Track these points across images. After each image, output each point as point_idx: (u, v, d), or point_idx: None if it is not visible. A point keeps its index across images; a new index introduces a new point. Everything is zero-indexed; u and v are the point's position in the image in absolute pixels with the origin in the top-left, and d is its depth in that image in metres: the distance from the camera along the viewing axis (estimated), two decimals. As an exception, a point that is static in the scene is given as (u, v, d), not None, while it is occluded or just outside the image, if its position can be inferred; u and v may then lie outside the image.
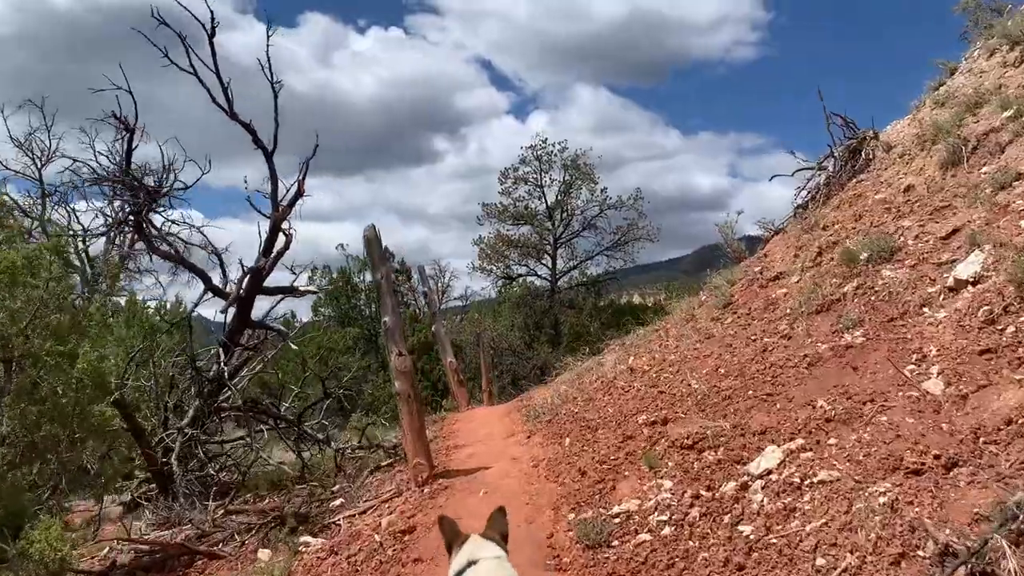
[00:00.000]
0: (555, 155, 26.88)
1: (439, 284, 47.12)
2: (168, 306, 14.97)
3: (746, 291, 8.92)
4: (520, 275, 28.31)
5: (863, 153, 11.01)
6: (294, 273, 9.63)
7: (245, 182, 9.12)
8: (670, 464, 5.31)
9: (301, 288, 8.95)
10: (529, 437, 7.97)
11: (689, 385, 6.66)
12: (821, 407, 5.05)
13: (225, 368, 8.81)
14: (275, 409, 9.69)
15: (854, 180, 10.47)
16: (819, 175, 11.85)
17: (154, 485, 8.64)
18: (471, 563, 2.72)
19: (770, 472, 4.61)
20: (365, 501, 6.68)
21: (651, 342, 9.69)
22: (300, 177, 8.32)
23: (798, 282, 7.91)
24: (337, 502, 7.01)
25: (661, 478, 5.19)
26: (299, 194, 8.30)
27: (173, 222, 9.86)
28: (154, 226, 9.16)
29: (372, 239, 7.10)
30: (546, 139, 26.83)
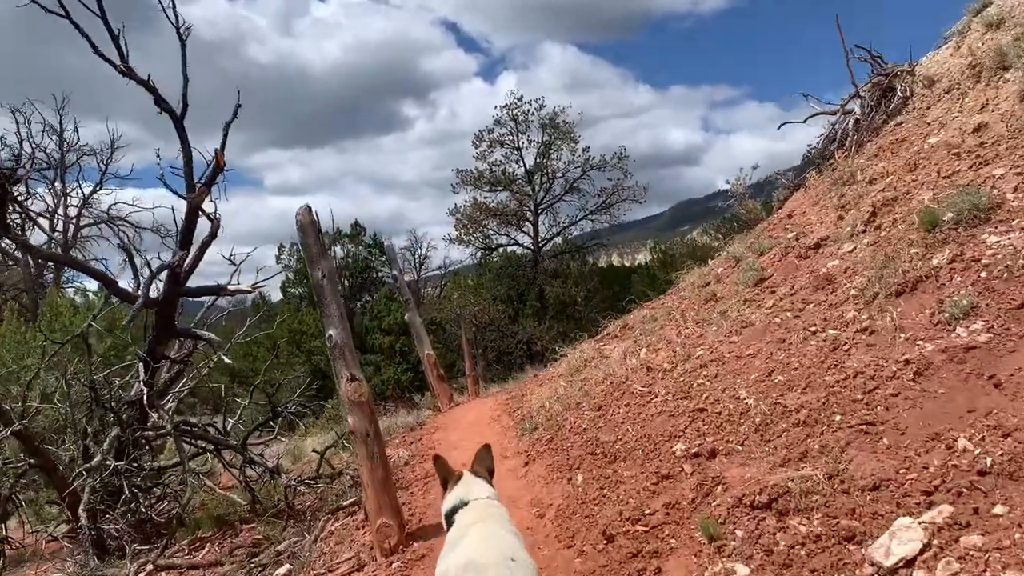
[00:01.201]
0: (532, 114, 25.00)
1: (416, 255, 45.32)
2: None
3: (781, 263, 7.32)
4: (500, 245, 26.57)
5: (897, 91, 9.41)
6: (233, 264, 7.91)
7: (158, 156, 7.31)
8: (739, 535, 3.70)
9: (231, 288, 7.17)
10: (527, 464, 6.35)
11: (738, 399, 5.04)
12: (963, 448, 3.44)
13: (144, 389, 7.12)
14: (214, 430, 8.00)
15: (891, 123, 8.90)
16: (842, 120, 10.26)
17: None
18: (464, 503, 2.98)
19: (911, 564, 3.01)
20: (316, 573, 5.04)
21: (664, 327, 8.05)
22: (218, 147, 6.50)
23: (854, 251, 6.29)
24: (282, 571, 5.37)
25: (729, 558, 3.59)
26: (218, 168, 6.49)
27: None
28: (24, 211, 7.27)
29: (307, 225, 5.36)
30: (521, 97, 24.88)
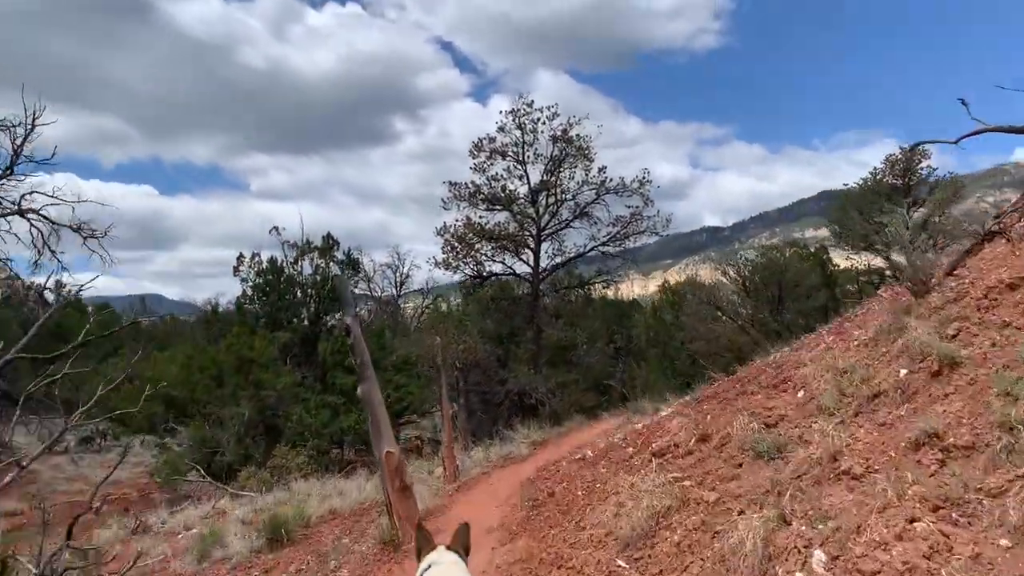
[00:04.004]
0: (542, 124, 21.17)
1: (398, 273, 41.23)
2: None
3: None
4: (494, 274, 22.58)
5: None
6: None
7: None
8: None
9: None
10: None
11: None
12: None
13: None
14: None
15: None
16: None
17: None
18: (430, 565, 3.14)
19: None
20: None
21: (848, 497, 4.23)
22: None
23: None
24: None
25: None
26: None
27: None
28: None
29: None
30: (531, 103, 21.03)
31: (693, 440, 6.20)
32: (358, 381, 7.02)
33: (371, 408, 6.85)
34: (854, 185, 28.06)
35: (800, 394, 5.97)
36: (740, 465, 5.22)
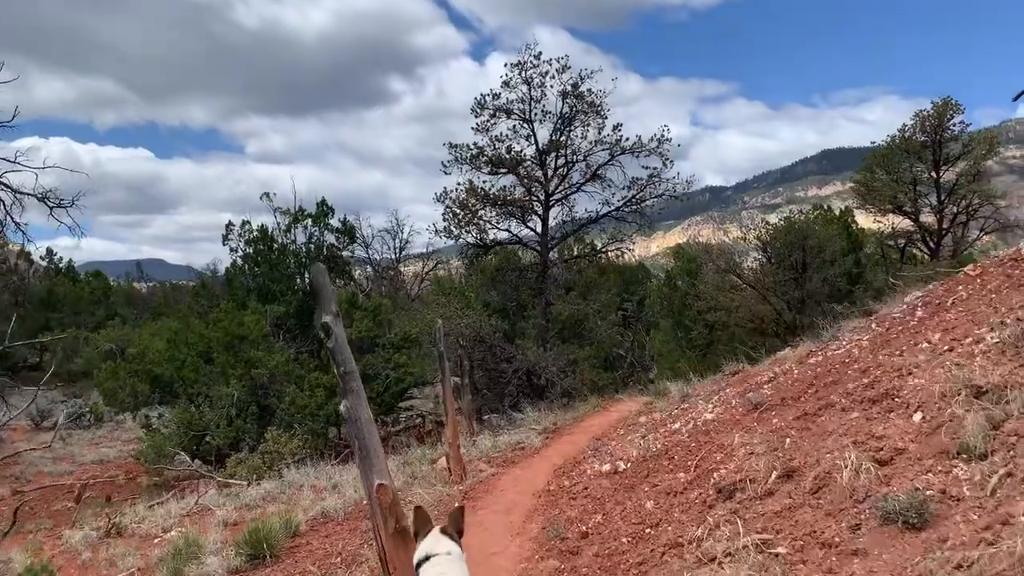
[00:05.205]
0: (551, 78, 19.38)
1: (397, 239, 39.64)
2: None
3: None
4: (499, 242, 20.97)
5: None
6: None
7: None
8: None
9: None
10: None
11: None
12: None
13: None
14: None
15: None
16: None
17: None
18: (427, 557, 3.21)
19: None
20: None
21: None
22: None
23: None
24: None
25: None
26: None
27: None
28: None
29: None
30: (539, 54, 19.21)
31: (774, 475, 4.76)
32: (341, 395, 5.56)
33: (357, 429, 5.41)
34: (881, 143, 26.44)
35: (917, 418, 4.52)
36: (858, 528, 3.79)
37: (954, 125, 24.93)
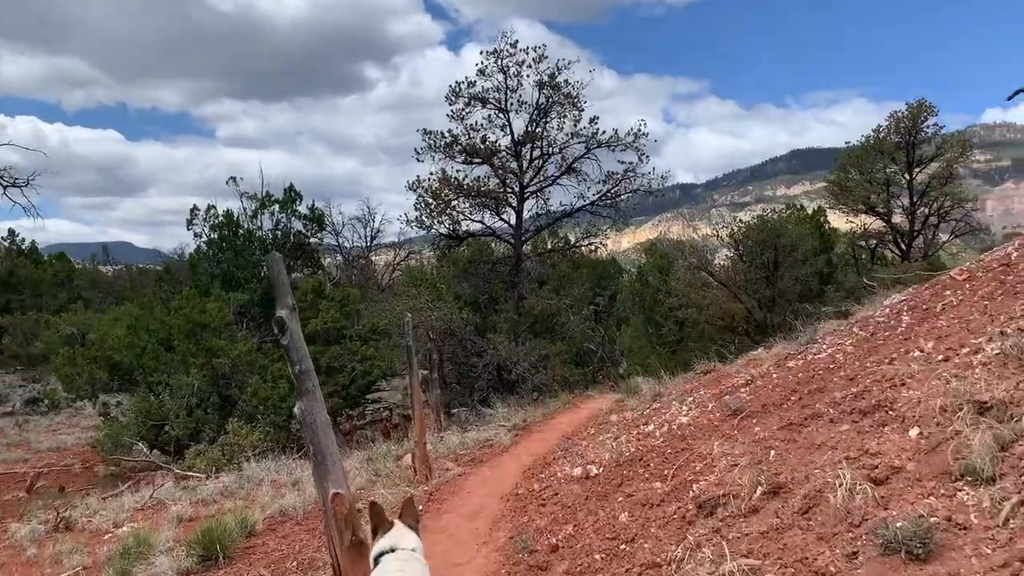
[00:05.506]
0: (527, 67, 18.97)
1: (369, 228, 38.97)
2: None
3: None
4: (471, 234, 20.54)
5: None
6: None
7: None
8: None
9: None
10: None
11: None
12: None
13: None
14: None
15: None
16: None
17: None
18: (391, 550, 3.22)
19: None
20: None
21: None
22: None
23: None
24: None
25: None
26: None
27: None
28: None
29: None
30: (516, 42, 18.81)
31: (759, 491, 4.45)
32: (297, 396, 5.15)
33: (312, 433, 5.00)
34: (855, 143, 26.44)
35: (914, 433, 4.23)
36: (855, 557, 3.48)
37: (928, 127, 25.01)
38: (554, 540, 5.44)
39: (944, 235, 26.19)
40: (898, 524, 3.45)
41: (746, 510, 4.39)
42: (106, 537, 11.03)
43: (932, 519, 3.42)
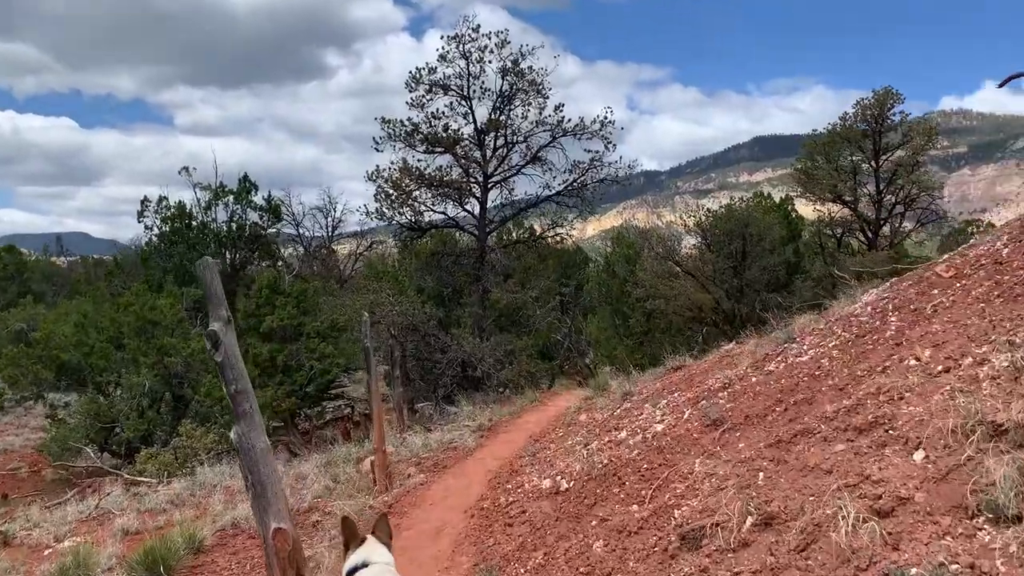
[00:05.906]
0: (490, 52, 18.37)
1: (330, 218, 38.07)
2: None
3: None
4: (434, 225, 19.94)
5: None
6: None
7: None
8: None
9: None
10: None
11: None
12: None
13: None
14: None
15: None
16: None
17: None
18: (365, 564, 3.18)
19: None
20: None
21: None
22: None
23: None
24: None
25: None
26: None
27: None
28: None
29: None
30: (478, 27, 18.18)
31: (749, 522, 4.00)
32: (233, 419, 4.58)
33: (251, 461, 4.44)
34: (822, 131, 26.30)
35: (919, 457, 3.81)
36: (865, 609, 3.04)
37: (894, 115, 24.95)
38: (522, 571, 4.96)
39: (909, 223, 26.22)
40: (912, 571, 3.02)
41: (736, 544, 3.95)
42: (46, 553, 10.35)
43: (953, 566, 2.99)
